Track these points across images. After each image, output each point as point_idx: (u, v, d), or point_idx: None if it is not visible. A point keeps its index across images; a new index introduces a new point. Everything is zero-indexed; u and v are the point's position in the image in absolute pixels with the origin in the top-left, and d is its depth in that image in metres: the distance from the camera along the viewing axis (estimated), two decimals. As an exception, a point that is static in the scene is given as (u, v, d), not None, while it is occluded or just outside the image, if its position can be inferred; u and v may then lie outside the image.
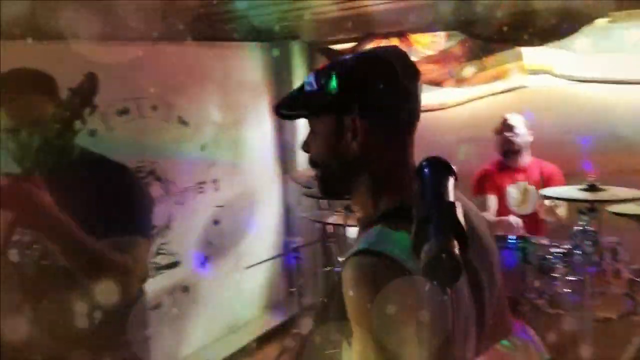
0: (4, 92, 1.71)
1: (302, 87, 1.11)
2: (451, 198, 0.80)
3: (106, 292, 1.65)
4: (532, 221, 3.37)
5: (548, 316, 2.83)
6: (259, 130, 4.38)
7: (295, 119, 1.19)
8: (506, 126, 3.51)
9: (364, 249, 0.91)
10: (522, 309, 2.83)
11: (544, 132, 3.69)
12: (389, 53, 1.08)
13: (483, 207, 3.47)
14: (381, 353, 0.86)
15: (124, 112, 3.28)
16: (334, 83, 1.05)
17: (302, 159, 4.67)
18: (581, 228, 2.65)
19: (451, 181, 0.84)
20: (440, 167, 0.86)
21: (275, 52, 4.43)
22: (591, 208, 2.71)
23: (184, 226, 3.70)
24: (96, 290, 1.64)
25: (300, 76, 4.55)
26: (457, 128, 4.16)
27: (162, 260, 3.56)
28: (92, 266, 1.61)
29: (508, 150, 3.49)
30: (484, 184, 3.58)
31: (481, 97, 4.09)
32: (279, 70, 4.51)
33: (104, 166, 1.85)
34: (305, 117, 1.12)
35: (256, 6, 3.62)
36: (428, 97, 4.21)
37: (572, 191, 2.78)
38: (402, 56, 1.08)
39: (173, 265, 3.64)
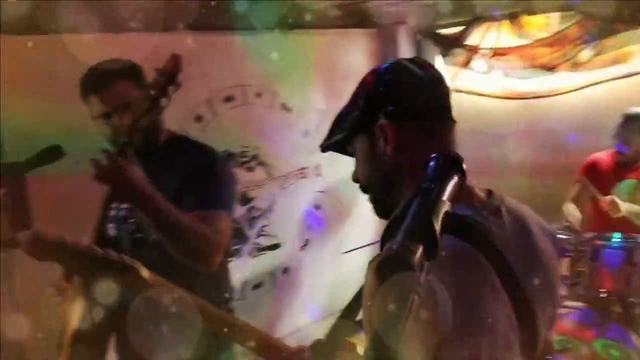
0: (95, 81, 1.88)
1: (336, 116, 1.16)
2: (443, 197, 0.73)
3: (191, 260, 1.81)
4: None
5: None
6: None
7: (339, 149, 1.19)
8: (623, 124, 3.22)
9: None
10: (627, 313, 2.64)
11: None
12: (409, 61, 1.11)
13: (581, 194, 3.26)
14: None
15: (229, 99, 3.43)
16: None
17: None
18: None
19: (452, 181, 0.77)
20: (444, 164, 0.80)
21: (380, 38, 4.39)
22: None
23: (285, 210, 3.81)
24: (183, 258, 1.79)
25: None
26: (569, 116, 3.91)
27: (264, 241, 3.69)
28: (180, 237, 1.76)
29: (626, 153, 3.22)
30: (591, 171, 3.35)
31: (598, 83, 3.80)
32: (385, 57, 4.47)
33: (188, 146, 2.02)
34: (345, 142, 1.14)
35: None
36: (538, 82, 4.00)
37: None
38: (423, 63, 1.12)
39: (274, 247, 3.76)
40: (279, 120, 3.69)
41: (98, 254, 1.45)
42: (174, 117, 3.09)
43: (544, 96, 4.00)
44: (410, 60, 1.13)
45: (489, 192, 1.11)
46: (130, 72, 1.90)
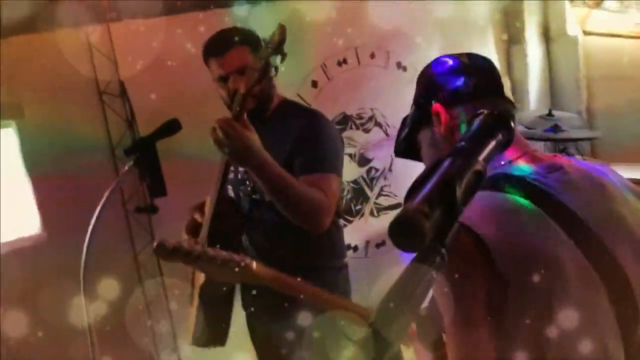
0: (215, 46, 2.00)
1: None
2: (479, 157, 0.71)
3: (302, 222, 1.89)
4: None
5: None
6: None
7: (411, 153, 1.28)
8: None
9: None
10: None
11: None
12: (456, 55, 1.22)
13: None
14: None
15: (343, 62, 3.46)
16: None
17: (534, 97, 4.39)
18: None
19: (492, 140, 0.75)
20: (486, 122, 0.77)
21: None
22: None
23: (404, 169, 3.79)
24: (294, 220, 1.88)
25: (533, 4, 4.21)
26: None
27: (384, 201, 3.74)
28: (291, 201, 1.85)
29: None
30: None
31: None
32: (508, 9, 4.24)
33: (297, 112, 2.10)
34: (411, 139, 1.24)
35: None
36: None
37: None
38: (470, 54, 1.23)
39: (395, 206, 3.79)
40: (394, 79, 3.66)
41: (209, 255, 1.56)
42: (291, 84, 3.23)
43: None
44: (459, 54, 1.23)
45: (553, 156, 1.14)
46: (248, 39, 1.99)
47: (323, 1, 3.25)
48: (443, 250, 0.64)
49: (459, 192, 0.66)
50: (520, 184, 1.01)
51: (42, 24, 2.48)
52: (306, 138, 1.96)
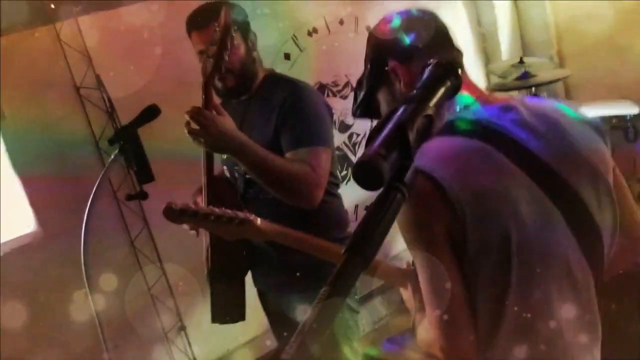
0: (195, 20, 1.96)
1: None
2: (429, 103, 0.78)
3: (292, 199, 1.88)
4: None
5: None
6: (454, 23, 4.24)
7: (370, 112, 1.29)
8: None
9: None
10: None
11: None
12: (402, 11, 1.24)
13: None
14: None
15: (313, 32, 3.51)
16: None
17: (506, 47, 4.45)
18: None
19: (442, 86, 0.82)
20: (435, 70, 0.85)
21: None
22: None
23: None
24: (284, 198, 1.88)
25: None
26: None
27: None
28: (276, 179, 1.84)
29: None
30: None
31: None
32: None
33: (282, 85, 2.03)
34: (369, 100, 1.26)
35: None
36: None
37: None
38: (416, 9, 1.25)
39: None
40: (365, 44, 3.70)
41: (215, 214, 1.61)
42: (263, 59, 3.26)
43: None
44: (406, 10, 1.25)
45: (508, 98, 1.19)
46: (228, 14, 1.91)
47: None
48: (402, 187, 0.72)
49: (411, 135, 0.73)
50: (475, 125, 1.08)
51: (12, 25, 2.50)
52: (290, 112, 1.92)
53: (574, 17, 4.16)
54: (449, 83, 0.84)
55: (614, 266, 1.19)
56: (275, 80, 2.07)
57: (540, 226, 1.04)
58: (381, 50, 1.23)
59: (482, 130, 1.08)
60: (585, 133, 1.15)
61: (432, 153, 1.02)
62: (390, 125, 0.75)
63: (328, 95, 3.56)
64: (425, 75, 0.85)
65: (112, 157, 2.19)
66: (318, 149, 1.90)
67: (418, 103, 0.78)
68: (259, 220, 1.63)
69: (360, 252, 0.69)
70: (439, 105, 0.81)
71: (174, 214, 1.62)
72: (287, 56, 3.41)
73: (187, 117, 1.74)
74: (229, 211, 1.63)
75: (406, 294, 1.43)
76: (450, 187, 1.00)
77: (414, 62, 1.18)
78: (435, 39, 1.20)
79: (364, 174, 0.69)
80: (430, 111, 0.78)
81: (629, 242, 1.21)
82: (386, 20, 1.25)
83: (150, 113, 2.13)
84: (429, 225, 1.02)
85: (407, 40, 1.19)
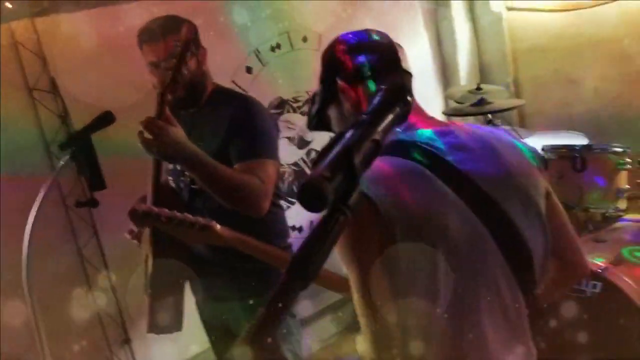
0: (148, 33, 1.99)
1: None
2: (378, 127, 0.79)
3: (239, 208, 1.92)
4: None
5: None
6: (415, 47, 4.33)
7: (324, 126, 1.33)
8: None
9: None
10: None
11: None
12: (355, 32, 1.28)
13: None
14: None
15: (276, 47, 3.52)
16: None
17: (465, 72, 4.55)
18: None
19: (392, 111, 0.84)
20: (386, 96, 0.87)
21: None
22: None
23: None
24: (232, 207, 1.91)
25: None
26: (633, 21, 3.68)
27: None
28: (224, 189, 1.88)
29: None
30: None
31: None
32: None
33: (230, 99, 2.11)
34: (321, 115, 1.30)
35: None
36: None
37: None
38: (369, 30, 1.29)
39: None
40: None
41: (178, 218, 1.65)
42: (225, 71, 3.26)
43: (602, 3, 3.78)
44: (359, 32, 1.29)
45: (448, 122, 1.24)
46: (175, 28, 1.97)
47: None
48: (346, 209, 0.73)
49: (357, 159, 0.75)
50: (412, 147, 1.11)
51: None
52: (239, 125, 1.98)
53: (531, 48, 4.30)
54: (398, 109, 0.86)
55: (552, 291, 1.22)
56: (223, 93, 2.14)
57: (469, 247, 1.07)
58: (331, 70, 1.26)
59: (418, 152, 1.11)
60: (519, 158, 1.19)
61: (367, 172, 1.04)
62: (336, 149, 0.76)
63: (288, 111, 3.57)
64: (375, 101, 0.86)
65: (62, 162, 2.13)
66: (266, 162, 1.97)
67: (366, 128, 0.80)
68: (218, 226, 1.67)
69: (300, 274, 0.69)
70: (387, 130, 0.83)
71: (138, 217, 1.66)
72: (248, 70, 3.41)
73: (140, 127, 1.76)
74: (190, 216, 1.67)
75: None
76: (382, 205, 1.02)
77: (362, 84, 1.21)
78: (384, 63, 1.23)
79: (308, 196, 0.70)
80: (377, 136, 0.80)
81: (566, 267, 1.25)
82: (339, 41, 1.28)
83: (105, 119, 2.10)
84: (362, 241, 1.03)
85: (355, 62, 1.22)
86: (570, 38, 4.01)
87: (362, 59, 1.22)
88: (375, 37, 1.28)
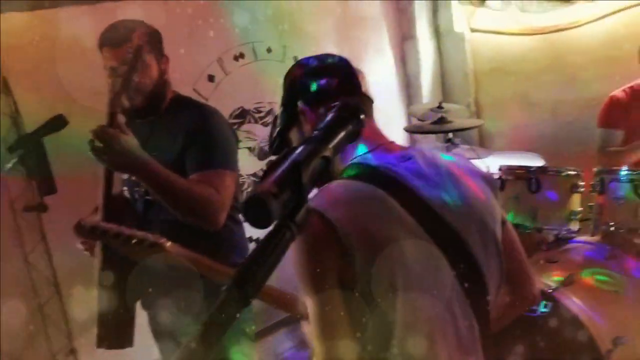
0: (109, 36, 1.94)
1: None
2: (329, 144, 0.79)
3: (194, 221, 1.88)
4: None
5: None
6: (380, 64, 4.37)
7: (280, 147, 1.32)
8: None
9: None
10: (638, 245, 2.64)
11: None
12: (316, 56, 1.29)
13: (605, 143, 3.16)
14: None
15: (239, 56, 3.49)
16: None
17: (428, 90, 4.60)
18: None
19: (344, 130, 0.84)
20: (338, 114, 0.87)
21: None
22: None
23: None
24: (187, 219, 1.87)
25: (422, 3, 4.42)
26: (591, 48, 3.80)
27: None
28: (179, 200, 1.83)
29: None
30: (613, 115, 3.14)
31: (616, 12, 3.65)
32: (400, 6, 4.41)
33: (189, 108, 2.06)
34: (282, 138, 1.30)
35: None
36: (556, 15, 3.89)
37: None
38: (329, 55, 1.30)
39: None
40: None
41: (126, 234, 1.59)
42: (187, 78, 3.22)
43: (562, 29, 3.89)
44: (319, 55, 1.30)
45: (407, 147, 1.25)
46: (144, 35, 1.95)
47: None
48: (293, 226, 0.71)
49: (305, 175, 0.73)
50: (372, 171, 1.12)
51: None
52: (196, 134, 1.94)
53: (492, 70, 4.37)
54: (350, 127, 0.86)
55: (503, 317, 1.23)
56: (183, 102, 2.09)
57: (425, 273, 1.07)
58: (292, 93, 1.27)
59: (379, 176, 1.11)
60: (477, 186, 1.20)
61: (328, 195, 1.05)
62: (285, 164, 0.75)
63: (250, 121, 3.55)
64: (327, 118, 0.86)
65: (10, 164, 2.06)
66: (223, 172, 1.93)
67: (316, 144, 0.80)
68: (169, 244, 1.61)
69: (241, 290, 0.67)
70: (338, 148, 0.82)
71: (84, 231, 1.62)
72: (211, 78, 3.37)
73: (91, 136, 1.72)
74: (139, 232, 1.61)
75: (307, 326, 1.42)
76: (341, 229, 1.02)
77: (321, 106, 1.21)
78: (344, 87, 1.23)
79: (253, 211, 0.69)
80: (327, 153, 0.79)
81: (518, 294, 1.26)
82: (299, 65, 1.30)
83: (57, 123, 2.05)
84: (320, 264, 1.02)
85: (315, 85, 1.23)
86: (530, 62, 4.10)
87: (322, 82, 1.23)
88: (336, 61, 1.29)
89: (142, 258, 1.65)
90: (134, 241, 1.58)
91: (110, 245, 1.73)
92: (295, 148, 0.79)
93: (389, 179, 1.11)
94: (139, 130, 1.90)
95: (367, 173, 1.12)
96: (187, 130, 1.94)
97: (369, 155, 1.17)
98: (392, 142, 1.25)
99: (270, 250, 0.69)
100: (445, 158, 1.24)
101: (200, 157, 1.91)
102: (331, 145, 0.81)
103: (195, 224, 1.88)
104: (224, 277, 1.64)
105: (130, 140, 1.76)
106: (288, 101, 1.28)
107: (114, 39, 1.93)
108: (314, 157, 0.77)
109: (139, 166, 1.77)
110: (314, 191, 1.13)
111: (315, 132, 0.82)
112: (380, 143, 1.21)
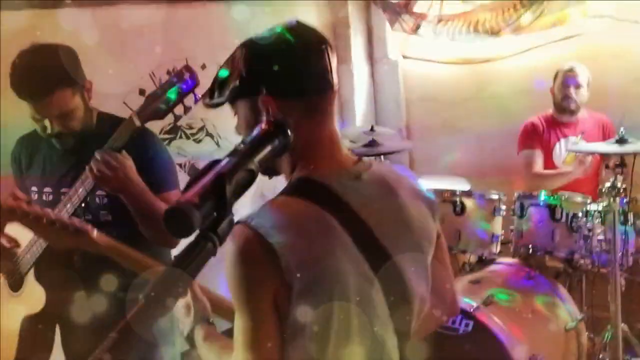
0: (30, 89, 1.80)
1: (217, 75, 1.16)
2: (254, 158, 0.80)
3: (159, 241, 1.88)
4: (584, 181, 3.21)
5: (580, 274, 2.75)
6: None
7: (220, 106, 1.19)
8: (563, 81, 3.31)
9: (239, 221, 0.98)
10: (552, 267, 2.77)
11: (607, 82, 3.49)
12: (289, 30, 1.12)
13: (529, 162, 3.35)
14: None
15: (172, 71, 3.44)
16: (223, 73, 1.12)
17: (361, 114, 4.69)
18: (609, 184, 2.51)
19: (270, 145, 0.85)
20: (266, 129, 0.88)
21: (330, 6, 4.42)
22: (619, 163, 2.56)
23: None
24: (154, 238, 1.86)
25: (358, 29, 4.52)
26: (514, 79, 3.99)
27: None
28: (156, 220, 1.76)
29: (564, 108, 3.32)
30: (530, 137, 3.41)
31: (540, 46, 3.87)
32: (336, 28, 4.50)
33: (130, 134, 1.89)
34: (227, 102, 1.17)
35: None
36: (484, 47, 4.07)
37: (601, 145, 2.64)
38: (305, 31, 1.14)
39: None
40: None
41: (49, 217, 1.52)
42: (118, 92, 3.14)
43: (489, 60, 4.07)
44: (290, 27, 1.13)
45: (358, 160, 1.19)
46: (67, 79, 1.84)
47: (151, 8, 3.23)
48: (214, 237, 0.72)
49: (229, 187, 0.74)
50: (317, 190, 1.08)
51: None
52: (145, 158, 1.89)
53: (423, 96, 4.51)
54: (276, 142, 0.87)
55: (422, 328, 1.25)
56: (111, 122, 1.96)
57: (360, 298, 1.06)
58: (254, 76, 1.12)
59: (322, 194, 1.08)
60: (418, 207, 1.20)
61: (270, 215, 1.02)
62: (209, 175, 0.75)
63: (181, 137, 3.50)
64: (254, 132, 0.87)
65: None
66: (177, 192, 1.94)
67: (241, 157, 0.80)
68: (95, 232, 1.55)
69: (158, 299, 0.67)
70: (264, 162, 0.83)
71: (2, 212, 1.55)
72: (142, 92, 3.31)
73: (97, 158, 1.71)
74: (64, 217, 1.56)
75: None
76: (281, 252, 1.00)
77: (288, 99, 1.12)
78: (315, 75, 1.14)
79: (175, 221, 0.69)
80: (252, 166, 0.80)
81: (439, 304, 1.28)
82: (261, 41, 1.17)
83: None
84: (256, 285, 1.00)
85: (284, 76, 1.13)
86: (458, 90, 4.26)
87: (289, 72, 1.11)
88: (308, 41, 1.15)
89: (64, 246, 1.57)
90: (56, 225, 1.51)
91: (31, 230, 1.64)
92: (219, 160, 0.79)
93: (334, 197, 1.08)
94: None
95: (311, 190, 1.08)
96: (131, 154, 1.83)
97: (317, 171, 1.11)
98: (345, 155, 1.19)
99: (189, 261, 0.69)
100: (393, 175, 1.21)
101: (158, 179, 1.92)
102: (256, 159, 0.82)
103: (159, 242, 1.90)
104: (147, 270, 1.58)
105: (133, 166, 1.77)
106: (245, 84, 1.10)
107: (35, 92, 1.81)
108: (239, 169, 0.77)
109: (137, 190, 1.79)
110: (260, 200, 1.10)
111: (241, 146, 0.83)
112: (329, 158, 1.14)
